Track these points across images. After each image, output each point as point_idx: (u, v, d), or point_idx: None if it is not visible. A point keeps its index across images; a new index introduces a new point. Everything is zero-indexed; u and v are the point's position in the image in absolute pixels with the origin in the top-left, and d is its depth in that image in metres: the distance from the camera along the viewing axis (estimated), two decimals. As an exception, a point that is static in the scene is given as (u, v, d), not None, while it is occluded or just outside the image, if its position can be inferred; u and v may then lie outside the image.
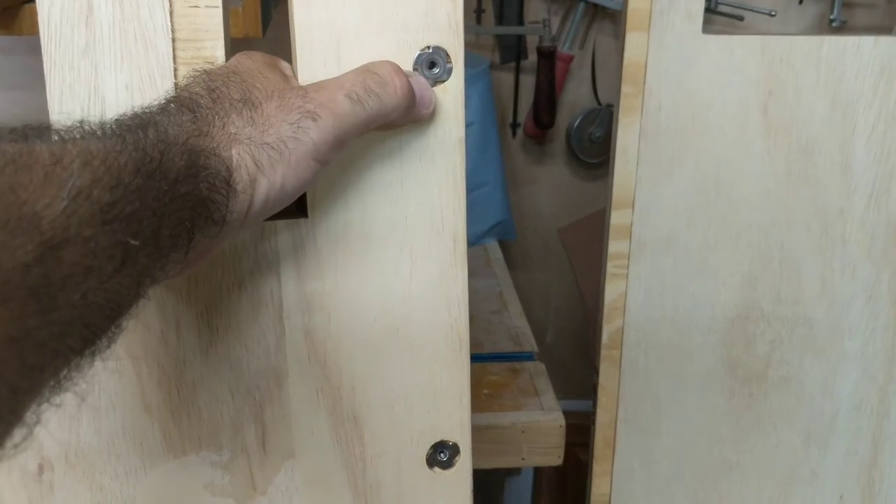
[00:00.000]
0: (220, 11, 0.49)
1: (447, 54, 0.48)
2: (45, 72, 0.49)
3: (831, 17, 1.51)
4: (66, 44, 0.48)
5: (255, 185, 0.40)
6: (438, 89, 0.49)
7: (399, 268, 0.51)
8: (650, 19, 0.83)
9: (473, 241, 1.54)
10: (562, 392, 1.59)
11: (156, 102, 0.42)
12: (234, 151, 0.40)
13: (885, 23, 1.60)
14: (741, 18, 1.53)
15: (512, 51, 1.62)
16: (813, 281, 0.91)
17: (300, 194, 0.43)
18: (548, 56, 1.58)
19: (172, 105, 0.41)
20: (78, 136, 0.35)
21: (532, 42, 1.62)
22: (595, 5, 1.60)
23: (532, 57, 1.62)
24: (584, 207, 1.74)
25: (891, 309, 0.92)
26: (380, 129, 0.47)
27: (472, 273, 1.44)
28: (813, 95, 0.86)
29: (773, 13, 1.49)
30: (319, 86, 0.44)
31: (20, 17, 1.04)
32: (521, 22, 1.58)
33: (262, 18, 1.09)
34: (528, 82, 1.65)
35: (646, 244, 0.89)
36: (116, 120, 0.38)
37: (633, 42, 0.83)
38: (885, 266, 0.91)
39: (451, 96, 0.49)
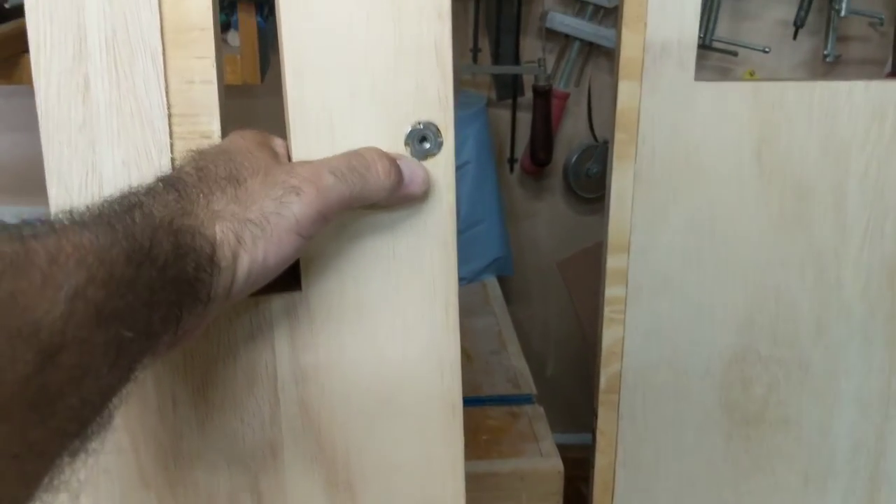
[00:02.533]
0: (214, 87, 0.49)
1: (438, 129, 0.49)
2: (43, 147, 0.49)
3: (825, 52, 1.53)
4: (64, 121, 0.49)
5: (237, 260, 0.41)
6: (429, 162, 0.49)
7: (392, 337, 0.51)
8: (642, 68, 0.83)
9: (472, 278, 1.55)
10: (562, 425, 1.59)
11: (144, 182, 0.42)
12: (217, 228, 0.41)
13: (879, 55, 1.61)
14: (735, 54, 1.54)
15: (508, 88, 1.64)
16: (809, 323, 0.92)
17: (284, 268, 0.44)
18: (543, 95, 1.59)
19: (160, 184, 0.42)
20: (69, 225, 0.35)
21: (529, 79, 1.63)
22: (590, 43, 1.62)
23: (529, 93, 1.64)
24: (582, 241, 1.75)
25: (886, 350, 0.92)
26: (371, 209, 0.48)
27: (471, 311, 1.44)
28: (806, 139, 0.86)
29: (766, 49, 1.51)
30: (305, 162, 0.45)
31: (21, 66, 1.05)
32: (517, 60, 1.60)
33: (261, 64, 1.11)
34: (525, 118, 1.66)
35: (642, 288, 0.90)
36: (105, 203, 0.39)
37: (626, 90, 0.84)
38: (880, 307, 0.91)
39: (441, 169, 0.49)
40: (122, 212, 0.38)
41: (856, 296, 0.91)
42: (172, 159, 0.49)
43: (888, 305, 0.91)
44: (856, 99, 0.85)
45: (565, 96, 1.65)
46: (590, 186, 1.72)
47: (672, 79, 0.84)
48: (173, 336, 0.38)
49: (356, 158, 0.45)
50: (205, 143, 0.49)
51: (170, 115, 0.49)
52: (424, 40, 0.47)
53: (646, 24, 0.82)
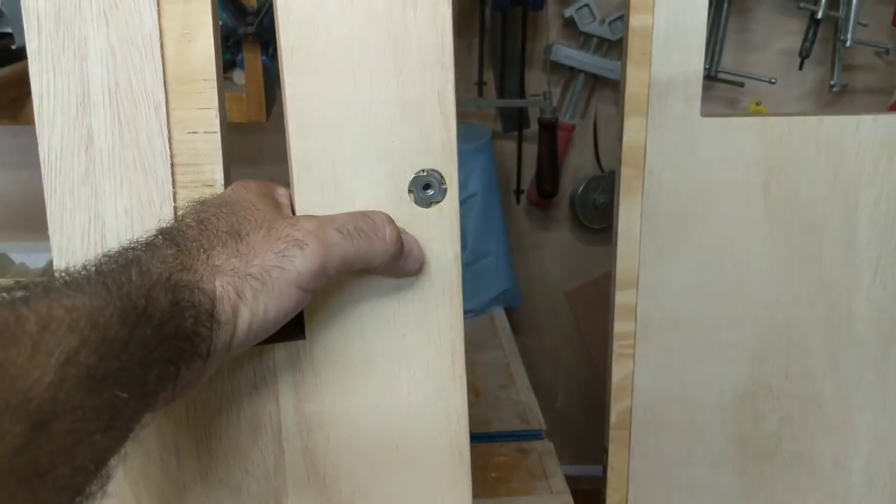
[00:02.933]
0: (218, 136, 0.49)
1: (442, 176, 0.48)
2: (46, 197, 0.49)
3: (831, 82, 1.52)
4: (67, 171, 0.49)
5: (238, 315, 0.41)
6: (433, 209, 0.49)
7: (397, 385, 0.50)
8: (648, 104, 0.83)
9: (479, 311, 1.54)
10: (573, 457, 1.58)
11: (145, 235, 0.42)
12: (217, 283, 0.40)
13: (886, 84, 1.60)
14: (742, 85, 1.54)
15: (514, 120, 1.64)
16: (821, 357, 0.91)
17: (286, 321, 0.44)
18: (549, 128, 1.59)
19: (160, 238, 0.42)
20: (62, 287, 0.35)
21: (534, 111, 1.63)
22: (595, 75, 1.62)
23: (534, 125, 1.64)
24: (589, 271, 1.74)
25: (900, 384, 0.91)
26: (364, 273, 0.48)
27: (479, 345, 1.43)
28: (814, 174, 0.86)
29: (773, 80, 1.50)
30: (311, 216, 0.45)
31: (27, 107, 1.06)
32: (522, 93, 1.60)
33: (267, 102, 1.11)
34: (531, 149, 1.66)
35: (652, 324, 0.89)
36: (102, 259, 0.38)
37: (632, 126, 0.84)
38: (893, 341, 0.90)
39: (445, 216, 0.49)
40: (119, 269, 0.37)
41: (868, 330, 0.90)
42: (175, 208, 0.49)
43: (901, 339, 0.90)
44: (863, 133, 0.85)
45: (571, 128, 1.65)
46: (597, 217, 1.72)
47: (678, 114, 0.84)
48: (171, 392, 0.38)
49: (364, 220, 0.45)
50: (208, 192, 0.49)
51: (173, 165, 0.49)
52: (428, 91, 0.47)
53: (650, 61, 0.82)
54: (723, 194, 0.86)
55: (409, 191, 0.48)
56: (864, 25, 1.47)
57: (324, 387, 0.50)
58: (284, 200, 0.48)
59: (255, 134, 1.29)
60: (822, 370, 0.91)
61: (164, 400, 0.38)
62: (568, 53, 1.59)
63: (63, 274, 0.36)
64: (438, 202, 0.49)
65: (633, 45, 0.82)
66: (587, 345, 1.76)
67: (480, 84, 1.60)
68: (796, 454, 0.93)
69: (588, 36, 1.60)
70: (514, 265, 1.64)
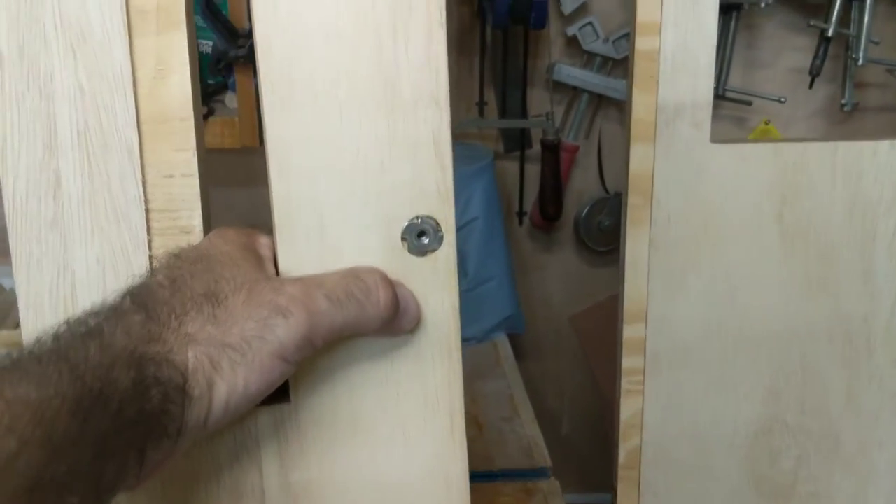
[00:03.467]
0: (196, 180, 0.46)
1: (437, 223, 0.45)
2: (11, 246, 0.46)
3: (843, 101, 1.49)
4: (33, 217, 0.45)
5: (213, 389, 0.37)
6: (429, 258, 0.45)
7: (391, 450, 0.47)
8: (655, 129, 0.80)
9: (482, 338, 1.50)
10: (579, 485, 1.54)
11: (112, 297, 0.38)
12: (190, 354, 0.37)
13: (898, 102, 1.57)
14: (749, 103, 1.51)
15: (516, 141, 1.61)
16: (838, 392, 0.87)
17: (267, 394, 0.40)
18: (552, 149, 1.56)
19: (127, 300, 0.38)
20: (5, 373, 0.31)
21: (537, 131, 1.60)
22: (599, 95, 1.59)
23: (537, 146, 1.61)
24: (594, 294, 1.71)
25: (922, 420, 0.88)
26: (354, 337, 0.44)
27: (482, 374, 1.39)
28: (829, 201, 0.83)
29: (782, 99, 1.47)
30: (297, 280, 0.41)
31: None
32: (524, 113, 1.57)
33: (260, 127, 1.08)
34: (534, 170, 1.63)
35: (661, 358, 0.86)
36: (61, 329, 0.35)
37: (638, 153, 0.81)
38: (914, 375, 0.87)
39: (442, 265, 0.46)
40: (78, 342, 0.33)
41: (888, 363, 0.86)
42: (150, 257, 0.46)
43: (922, 373, 0.86)
44: (881, 158, 0.82)
45: (575, 149, 1.62)
46: (601, 239, 1.68)
47: (687, 140, 0.80)
48: (136, 478, 0.34)
49: (356, 283, 0.41)
50: (185, 240, 0.46)
51: (147, 211, 0.46)
52: (422, 131, 0.43)
53: (657, 85, 0.79)
54: (734, 223, 0.82)
55: (403, 239, 0.45)
56: (876, 43, 1.43)
57: (311, 454, 0.46)
58: (267, 252, 0.44)
59: (250, 155, 1.26)
60: (839, 406, 0.87)
61: (128, 487, 0.34)
62: (571, 72, 1.56)
63: (13, 353, 0.32)
64: (434, 251, 0.45)
65: (640, 69, 0.78)
66: (593, 370, 1.72)
67: (481, 104, 1.57)
68: (813, 494, 0.89)
69: (591, 55, 1.57)
70: (516, 290, 1.61)
